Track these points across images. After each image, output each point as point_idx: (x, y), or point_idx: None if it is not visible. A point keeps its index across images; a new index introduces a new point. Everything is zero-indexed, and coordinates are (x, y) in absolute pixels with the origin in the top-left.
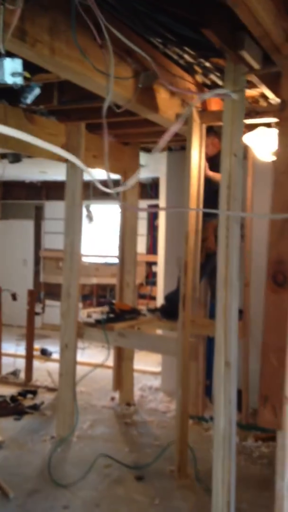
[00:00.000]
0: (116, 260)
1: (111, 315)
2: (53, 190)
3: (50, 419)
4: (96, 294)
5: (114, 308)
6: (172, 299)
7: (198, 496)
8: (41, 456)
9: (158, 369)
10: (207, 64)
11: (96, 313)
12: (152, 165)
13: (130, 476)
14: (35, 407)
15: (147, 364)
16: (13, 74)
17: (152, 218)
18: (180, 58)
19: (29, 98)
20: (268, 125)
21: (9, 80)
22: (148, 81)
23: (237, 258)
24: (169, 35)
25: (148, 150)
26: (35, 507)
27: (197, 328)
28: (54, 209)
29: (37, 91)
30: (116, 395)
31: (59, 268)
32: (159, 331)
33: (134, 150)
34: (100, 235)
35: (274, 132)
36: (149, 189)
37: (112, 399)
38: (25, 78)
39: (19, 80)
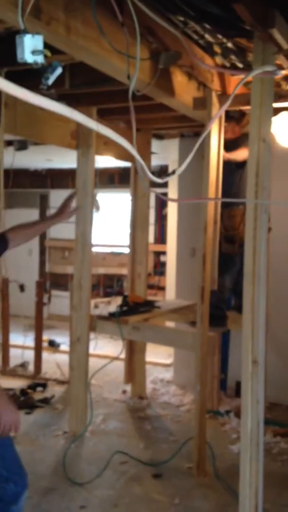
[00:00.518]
0: (123, 250)
1: (125, 308)
2: (58, 178)
3: (62, 413)
4: (103, 284)
5: (127, 300)
6: (217, 305)
7: (218, 494)
8: (54, 452)
9: (168, 361)
10: (229, 45)
11: (103, 303)
12: (161, 153)
13: (147, 474)
14: (45, 401)
15: (157, 356)
16: (34, 52)
17: (161, 207)
18: (200, 38)
19: (51, 79)
20: None
21: (30, 58)
22: (170, 62)
23: (265, 251)
24: (191, 12)
25: (159, 137)
26: (51, 507)
27: None
28: (59, 197)
29: (59, 70)
30: (128, 388)
31: (65, 258)
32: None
33: (146, 136)
34: (107, 224)
35: None
36: (158, 177)
37: (124, 392)
38: (45, 57)
39: (40, 59)
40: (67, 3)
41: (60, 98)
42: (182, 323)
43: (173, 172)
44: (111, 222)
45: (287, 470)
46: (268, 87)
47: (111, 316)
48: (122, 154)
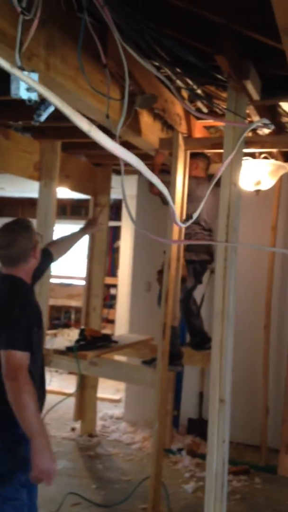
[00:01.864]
0: (72, 281)
1: (82, 342)
2: (8, 206)
3: None
4: (50, 316)
5: (85, 334)
6: (173, 343)
7: None
8: None
9: (117, 396)
10: (198, 91)
11: (50, 335)
12: (118, 187)
13: None
14: None
15: (104, 391)
16: (28, 89)
17: (112, 240)
18: (171, 83)
19: (43, 116)
20: (252, 155)
21: (24, 95)
22: (146, 104)
23: (235, 290)
24: (167, 58)
25: (118, 172)
26: None
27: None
28: None
29: (51, 108)
30: (77, 425)
31: None
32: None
33: (106, 171)
34: None
35: (258, 163)
36: (110, 211)
37: (73, 429)
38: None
39: (34, 96)
40: (48, 40)
41: (24, 129)
42: (137, 358)
43: (191, 217)
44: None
45: (241, 509)
46: (240, 134)
47: (69, 350)
48: (80, 186)
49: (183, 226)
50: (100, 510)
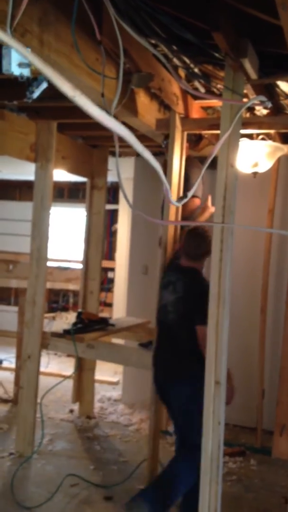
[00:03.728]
0: (70, 265)
1: (80, 325)
2: (5, 189)
3: (7, 434)
4: (48, 299)
5: (82, 317)
6: None
7: None
8: (0, 475)
9: (115, 378)
10: (196, 70)
11: (48, 318)
12: (114, 170)
13: (99, 496)
14: None
15: (103, 374)
16: (20, 65)
17: (110, 223)
18: (168, 62)
19: (36, 92)
20: (250, 136)
21: (16, 71)
22: (142, 83)
23: (230, 273)
24: (164, 36)
25: (115, 155)
26: None
27: None
28: (5, 209)
29: (44, 84)
30: (75, 407)
31: (9, 271)
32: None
33: (103, 153)
34: (55, 239)
35: (255, 144)
36: (108, 193)
37: (71, 411)
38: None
39: (26, 72)
40: (42, 16)
41: (20, 109)
42: (134, 341)
43: (186, 196)
44: (59, 236)
45: (236, 490)
46: (238, 114)
47: (66, 333)
48: (77, 168)
49: (178, 205)
50: (98, 490)
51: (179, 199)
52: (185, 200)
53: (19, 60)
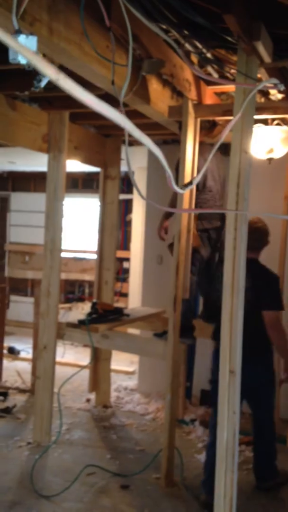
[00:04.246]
0: (86, 255)
1: (94, 315)
2: (20, 181)
3: (25, 423)
4: (64, 290)
5: (96, 307)
6: (185, 315)
7: (187, 504)
8: (19, 464)
9: (131, 368)
10: (208, 55)
11: (64, 309)
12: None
13: (115, 485)
14: (7, 411)
15: (119, 363)
16: None
17: (124, 213)
18: (179, 47)
19: (43, 81)
20: (265, 122)
21: (23, 60)
22: (154, 69)
23: (244, 261)
24: (174, 20)
25: (129, 143)
26: None
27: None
28: (20, 200)
29: None
30: (92, 396)
31: (25, 262)
32: (132, 331)
33: (116, 142)
34: (69, 229)
35: (270, 129)
36: (122, 183)
37: (88, 400)
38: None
39: None
40: (51, 4)
41: (31, 100)
42: (149, 331)
43: (191, 183)
44: (73, 227)
45: (253, 479)
46: (251, 99)
47: (81, 323)
48: (89, 158)
49: (183, 192)
50: (115, 479)
51: (184, 186)
52: (190, 187)
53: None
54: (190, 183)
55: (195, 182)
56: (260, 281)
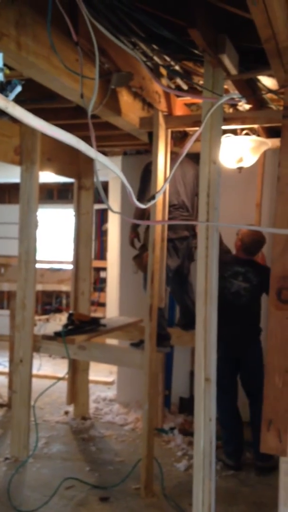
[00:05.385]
0: (62, 266)
1: (70, 327)
2: None
3: (2, 438)
4: (41, 301)
5: (73, 319)
6: (160, 324)
7: None
8: None
9: (110, 378)
10: (176, 68)
11: (42, 320)
12: (103, 169)
13: (94, 498)
14: None
15: (98, 374)
16: None
17: (100, 223)
18: (148, 60)
19: (10, 96)
20: (234, 132)
21: None
22: (122, 82)
23: (216, 270)
24: (142, 35)
25: (102, 154)
26: None
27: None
28: None
29: (18, 88)
30: (70, 408)
31: (1, 274)
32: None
33: None
34: (45, 240)
35: (239, 139)
36: (97, 193)
37: (66, 413)
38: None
39: (0, 76)
40: (18, 19)
41: (2, 113)
42: (127, 341)
43: (154, 197)
44: (50, 238)
45: (230, 485)
46: (219, 111)
47: (57, 335)
48: (63, 169)
49: (145, 207)
50: (95, 491)
51: (147, 201)
52: (152, 202)
53: None
54: (153, 197)
55: (157, 197)
56: (264, 273)
